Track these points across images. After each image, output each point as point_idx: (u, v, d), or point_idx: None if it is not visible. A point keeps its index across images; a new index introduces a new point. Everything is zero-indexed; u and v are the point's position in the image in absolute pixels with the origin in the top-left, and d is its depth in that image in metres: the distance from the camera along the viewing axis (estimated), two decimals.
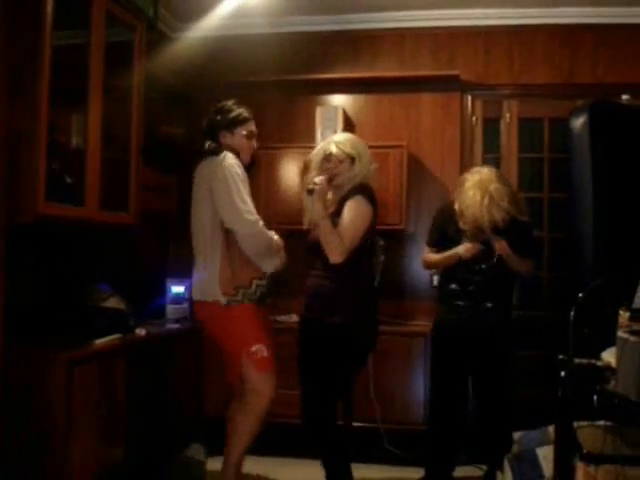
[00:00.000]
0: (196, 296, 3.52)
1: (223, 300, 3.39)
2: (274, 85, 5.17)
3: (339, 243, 3.21)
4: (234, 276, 3.42)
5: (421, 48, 5.19)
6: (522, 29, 5.04)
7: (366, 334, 3.42)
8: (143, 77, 4.14)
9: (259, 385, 3.44)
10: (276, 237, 3.55)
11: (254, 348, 3.42)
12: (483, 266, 3.78)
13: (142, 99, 4.14)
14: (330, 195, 3.43)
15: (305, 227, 3.49)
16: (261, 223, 3.42)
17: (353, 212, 3.28)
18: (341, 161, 3.38)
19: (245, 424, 3.47)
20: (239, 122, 3.60)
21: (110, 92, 3.78)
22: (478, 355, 3.78)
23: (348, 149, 3.39)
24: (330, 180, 3.35)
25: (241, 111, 3.63)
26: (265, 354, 3.44)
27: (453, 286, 3.86)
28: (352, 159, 3.39)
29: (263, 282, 3.49)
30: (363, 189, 3.34)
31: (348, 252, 3.23)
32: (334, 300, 3.31)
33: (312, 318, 3.38)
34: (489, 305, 3.76)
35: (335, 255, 3.23)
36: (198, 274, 3.50)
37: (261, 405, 3.45)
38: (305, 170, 3.50)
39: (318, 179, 3.31)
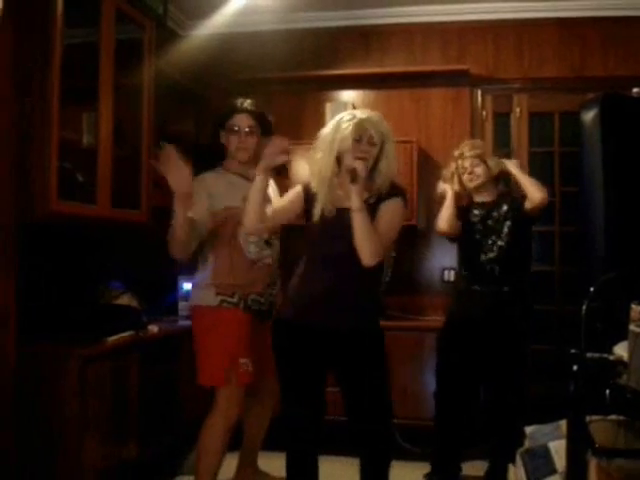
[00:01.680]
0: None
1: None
2: (283, 81, 5.17)
3: (378, 245, 2.83)
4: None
5: (430, 43, 5.18)
6: (531, 23, 5.02)
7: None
8: (153, 75, 4.15)
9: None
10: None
11: (242, 360, 3.36)
12: (497, 241, 3.80)
13: (152, 97, 4.15)
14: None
15: (315, 218, 2.95)
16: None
17: (395, 215, 2.94)
18: (374, 144, 2.87)
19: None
20: (225, 117, 3.47)
21: (120, 90, 3.79)
22: (493, 344, 3.78)
23: (382, 129, 2.89)
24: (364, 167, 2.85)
25: (229, 104, 3.49)
26: (250, 368, 3.38)
27: (468, 271, 3.95)
28: (382, 141, 2.90)
29: (261, 298, 3.46)
30: (399, 189, 2.99)
31: (382, 255, 2.89)
32: (370, 305, 3.01)
33: (341, 327, 2.91)
34: (506, 289, 3.76)
35: (372, 256, 2.81)
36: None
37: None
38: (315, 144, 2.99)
39: (358, 165, 2.79)
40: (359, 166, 2.78)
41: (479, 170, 3.87)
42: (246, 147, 3.45)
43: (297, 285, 2.99)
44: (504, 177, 3.99)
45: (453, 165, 3.97)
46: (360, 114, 2.92)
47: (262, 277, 3.46)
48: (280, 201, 3.10)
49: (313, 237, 3.00)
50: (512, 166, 3.97)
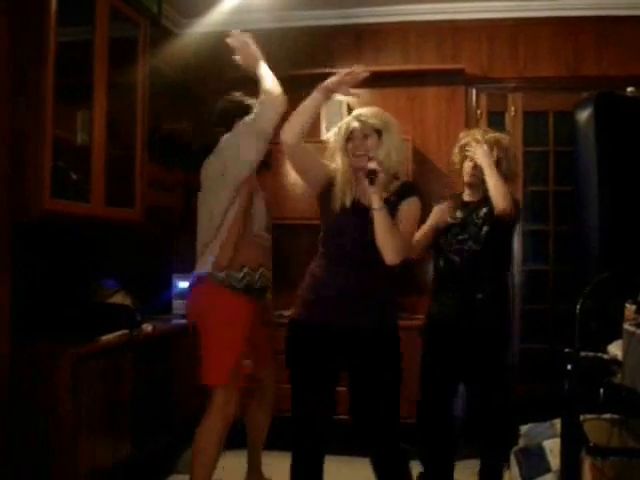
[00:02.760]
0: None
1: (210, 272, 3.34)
2: (278, 80, 5.16)
3: (401, 243, 2.82)
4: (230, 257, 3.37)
5: (425, 42, 5.18)
6: (526, 22, 5.02)
7: None
8: (147, 73, 4.14)
9: None
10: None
11: (246, 362, 3.41)
12: (473, 246, 3.61)
13: (147, 95, 4.14)
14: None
15: (333, 214, 2.94)
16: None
17: (413, 214, 2.94)
18: (366, 136, 2.88)
19: None
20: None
21: (115, 88, 3.79)
22: (468, 349, 3.62)
23: (372, 120, 2.89)
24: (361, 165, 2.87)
25: (254, 101, 3.59)
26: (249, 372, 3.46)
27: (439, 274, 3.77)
28: (378, 132, 2.89)
29: (255, 273, 3.41)
30: (415, 188, 3.00)
31: (405, 255, 2.87)
32: (388, 304, 3.00)
33: (359, 326, 2.88)
34: (480, 296, 3.57)
35: (396, 255, 2.80)
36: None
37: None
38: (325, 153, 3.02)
39: (374, 165, 2.80)
40: (375, 166, 2.79)
41: (473, 170, 3.68)
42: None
43: (312, 284, 2.96)
44: None
45: (463, 140, 3.75)
46: (355, 112, 2.97)
47: (259, 256, 3.46)
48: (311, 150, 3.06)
49: (329, 234, 2.99)
50: (484, 159, 3.60)
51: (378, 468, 2.94)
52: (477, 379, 3.67)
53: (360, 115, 2.92)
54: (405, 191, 2.93)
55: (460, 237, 3.61)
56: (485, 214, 3.61)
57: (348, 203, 2.90)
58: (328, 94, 2.89)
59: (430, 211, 3.74)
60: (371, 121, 2.88)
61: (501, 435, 3.60)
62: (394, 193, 2.92)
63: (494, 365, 3.62)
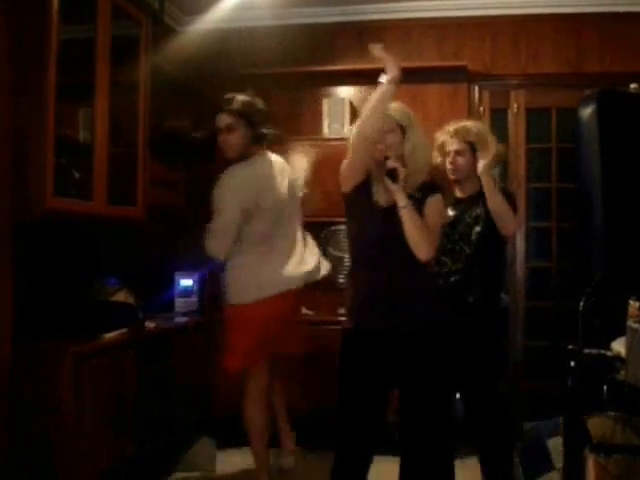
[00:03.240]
0: None
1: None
2: (280, 77, 5.16)
3: (430, 239, 2.85)
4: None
5: (427, 39, 5.17)
6: (528, 19, 5.01)
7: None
8: (149, 71, 4.13)
9: None
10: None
11: None
12: (465, 249, 3.42)
13: (149, 93, 4.14)
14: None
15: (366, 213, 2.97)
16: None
17: (439, 210, 2.97)
18: (389, 131, 2.88)
19: None
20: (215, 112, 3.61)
21: (117, 86, 3.78)
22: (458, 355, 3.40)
23: (397, 115, 2.91)
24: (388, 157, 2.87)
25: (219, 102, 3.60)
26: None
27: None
28: (402, 128, 2.91)
29: None
30: (438, 185, 3.03)
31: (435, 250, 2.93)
32: (435, 301, 3.00)
33: (401, 328, 2.88)
34: (470, 299, 3.37)
35: (428, 250, 2.84)
36: None
37: None
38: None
39: (394, 163, 2.83)
40: (396, 165, 2.82)
41: (461, 161, 3.43)
42: (228, 144, 3.56)
43: (352, 289, 3.02)
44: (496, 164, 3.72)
45: (440, 139, 3.56)
46: None
47: None
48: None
49: (360, 235, 3.00)
50: (486, 180, 3.34)
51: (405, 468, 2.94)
52: (469, 384, 3.47)
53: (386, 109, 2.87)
54: (429, 188, 2.95)
55: (451, 237, 3.44)
56: (478, 215, 3.41)
57: (379, 203, 2.92)
58: (396, 82, 2.93)
59: None
60: (396, 116, 2.89)
61: (499, 439, 3.43)
62: (418, 190, 2.92)
63: (485, 370, 3.42)
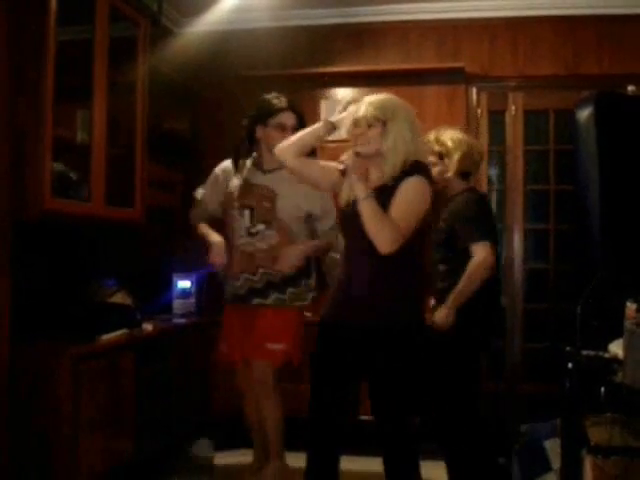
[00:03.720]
0: None
1: None
2: (278, 79, 5.15)
3: (390, 230, 2.64)
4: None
5: (425, 41, 5.17)
6: (526, 21, 5.02)
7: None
8: (147, 72, 4.14)
9: None
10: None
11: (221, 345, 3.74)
12: (436, 254, 3.52)
13: (146, 94, 4.14)
14: (374, 174, 2.83)
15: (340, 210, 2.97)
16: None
17: (410, 195, 2.72)
18: (370, 126, 2.76)
19: None
20: (270, 114, 3.57)
21: (115, 88, 3.78)
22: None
23: (376, 111, 2.76)
24: (358, 153, 2.77)
25: (274, 102, 3.60)
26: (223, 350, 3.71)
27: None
28: (383, 123, 2.76)
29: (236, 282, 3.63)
30: (419, 168, 2.78)
31: (401, 241, 2.66)
32: (402, 299, 2.82)
33: (369, 324, 2.78)
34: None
35: (386, 243, 2.64)
36: None
37: None
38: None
39: (346, 156, 2.78)
40: (344, 159, 2.79)
41: (435, 170, 3.35)
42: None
43: (335, 283, 3.02)
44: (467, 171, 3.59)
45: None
46: (367, 98, 2.84)
47: (238, 262, 3.61)
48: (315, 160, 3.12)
49: (342, 232, 3.04)
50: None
51: (387, 467, 2.88)
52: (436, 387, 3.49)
53: (368, 103, 2.79)
54: (408, 172, 2.75)
55: (434, 245, 3.53)
56: (444, 217, 3.49)
57: (347, 198, 2.86)
58: (331, 130, 2.92)
59: None
60: (376, 112, 2.76)
61: (463, 444, 3.38)
62: (396, 177, 2.75)
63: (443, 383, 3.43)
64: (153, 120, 4.29)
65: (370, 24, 5.20)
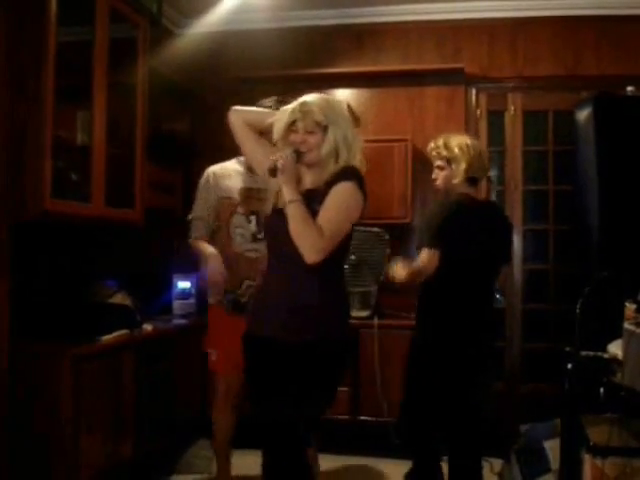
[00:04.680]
0: None
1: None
2: (278, 80, 5.16)
3: (317, 237, 2.43)
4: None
5: (425, 41, 5.17)
6: (526, 21, 5.02)
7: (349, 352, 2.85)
8: (147, 73, 4.14)
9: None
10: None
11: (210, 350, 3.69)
12: None
13: (146, 95, 4.14)
14: (307, 177, 2.67)
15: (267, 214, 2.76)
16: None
17: (339, 200, 2.51)
18: (310, 132, 2.56)
19: None
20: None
21: (114, 89, 3.78)
22: None
23: (317, 116, 2.54)
24: (299, 157, 2.58)
25: (265, 104, 3.48)
26: (214, 358, 3.65)
27: None
28: (324, 128, 2.56)
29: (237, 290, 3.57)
30: (352, 173, 2.56)
31: (329, 250, 2.46)
32: (322, 314, 2.57)
33: (287, 339, 2.55)
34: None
35: (311, 251, 2.43)
36: None
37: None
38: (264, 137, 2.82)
39: (281, 155, 2.53)
40: (280, 156, 2.52)
41: (442, 175, 3.44)
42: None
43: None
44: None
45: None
46: (302, 98, 2.62)
47: (241, 269, 3.56)
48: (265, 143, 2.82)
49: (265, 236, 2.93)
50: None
51: None
52: None
53: (305, 106, 2.57)
54: (339, 176, 2.54)
55: None
56: None
57: (275, 202, 2.68)
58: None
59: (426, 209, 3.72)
60: (316, 117, 2.54)
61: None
62: (327, 181, 2.56)
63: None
64: (153, 121, 4.29)
65: (370, 25, 5.21)
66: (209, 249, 3.54)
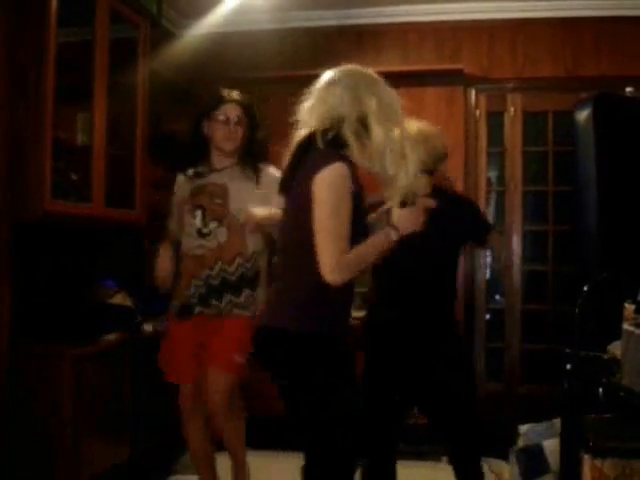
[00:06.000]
0: None
1: None
2: (278, 81, 5.16)
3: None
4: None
5: (425, 42, 5.18)
6: (525, 22, 5.03)
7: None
8: (147, 74, 4.15)
9: None
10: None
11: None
12: None
13: (147, 96, 4.15)
14: None
15: None
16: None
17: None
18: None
19: None
20: (212, 107, 3.38)
21: (115, 89, 3.79)
22: None
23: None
24: None
25: (215, 95, 3.43)
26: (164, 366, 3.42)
27: None
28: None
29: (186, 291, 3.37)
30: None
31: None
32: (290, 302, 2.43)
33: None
34: None
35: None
36: None
37: None
38: None
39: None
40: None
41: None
42: (234, 137, 3.36)
43: None
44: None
45: None
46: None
47: (188, 268, 3.36)
48: None
49: None
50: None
51: None
52: None
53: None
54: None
55: None
56: None
57: None
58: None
59: None
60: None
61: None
62: None
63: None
64: (153, 122, 4.30)
65: (370, 26, 5.21)
66: (159, 250, 3.43)
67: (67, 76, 3.43)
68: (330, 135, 2.46)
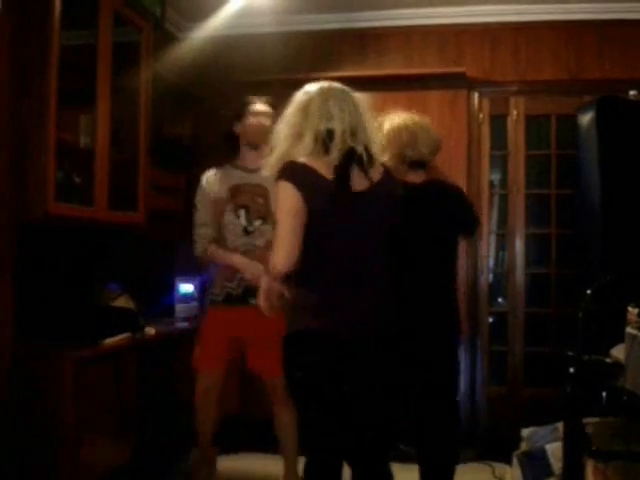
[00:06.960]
0: None
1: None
2: (281, 84, 5.13)
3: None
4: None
5: (428, 46, 5.18)
6: (528, 26, 5.02)
7: None
8: (150, 77, 4.15)
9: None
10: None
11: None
12: None
13: (149, 99, 4.15)
14: None
15: None
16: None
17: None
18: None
19: None
20: (243, 105, 3.67)
21: (118, 92, 3.79)
22: None
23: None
24: None
25: (244, 97, 3.71)
26: (196, 354, 3.66)
27: None
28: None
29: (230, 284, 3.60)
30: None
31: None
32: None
33: None
34: None
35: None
36: None
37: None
38: None
39: None
40: None
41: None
42: (268, 131, 3.28)
43: None
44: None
45: None
46: None
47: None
48: None
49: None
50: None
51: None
52: None
53: None
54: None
55: None
56: None
57: None
58: None
59: None
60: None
61: None
62: None
63: None
64: (155, 125, 4.30)
65: (373, 29, 5.21)
66: (233, 257, 3.55)
67: (70, 79, 3.44)
68: None
